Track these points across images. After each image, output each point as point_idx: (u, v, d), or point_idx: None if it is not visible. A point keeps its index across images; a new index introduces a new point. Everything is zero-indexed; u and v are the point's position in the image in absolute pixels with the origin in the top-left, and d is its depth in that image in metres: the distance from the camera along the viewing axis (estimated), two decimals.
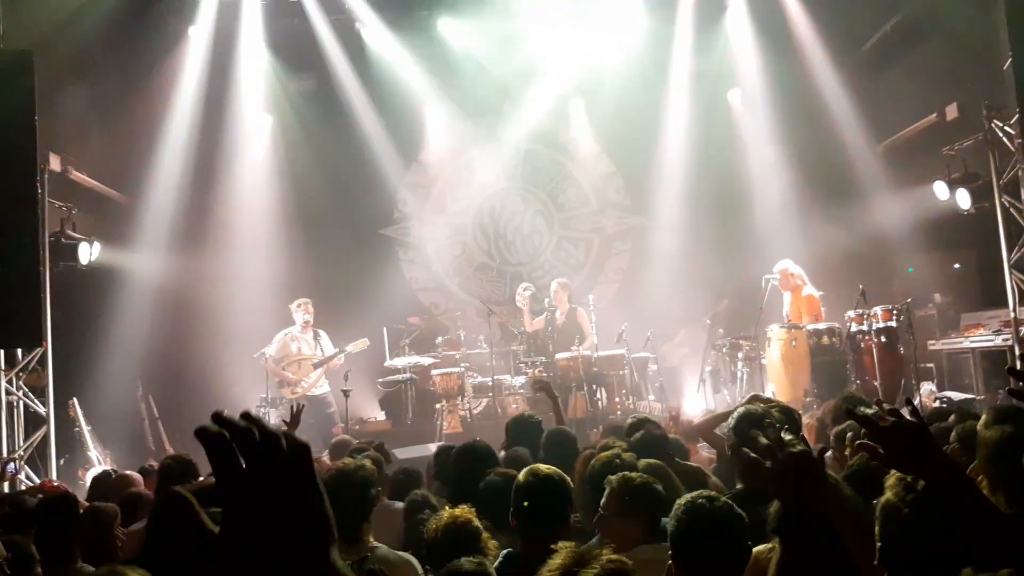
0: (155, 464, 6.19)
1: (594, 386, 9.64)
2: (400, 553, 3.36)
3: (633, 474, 3.24)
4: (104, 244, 9.20)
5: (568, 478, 3.51)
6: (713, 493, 2.69)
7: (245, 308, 10.57)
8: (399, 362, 10.29)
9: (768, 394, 8.79)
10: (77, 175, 9.49)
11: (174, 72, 10.56)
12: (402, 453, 7.40)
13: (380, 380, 10.46)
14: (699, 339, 11.13)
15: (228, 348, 10.36)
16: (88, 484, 6.34)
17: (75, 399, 8.72)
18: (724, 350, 9.91)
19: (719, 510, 2.59)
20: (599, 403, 9.69)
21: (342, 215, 11.84)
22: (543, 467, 3.42)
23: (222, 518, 0.92)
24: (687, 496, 2.67)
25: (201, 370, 10.22)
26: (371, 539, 3.35)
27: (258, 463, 0.91)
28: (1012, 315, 8.97)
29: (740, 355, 9.66)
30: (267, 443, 0.91)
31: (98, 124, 10.05)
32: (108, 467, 7.94)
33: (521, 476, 3.34)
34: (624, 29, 11.62)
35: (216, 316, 10.62)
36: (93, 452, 8.60)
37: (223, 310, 10.65)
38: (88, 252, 8.83)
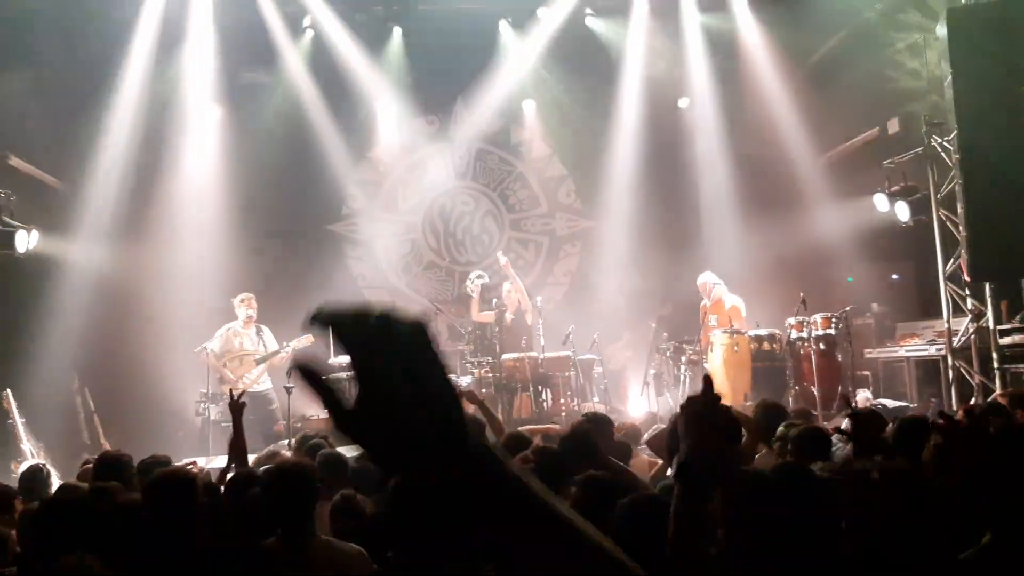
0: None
1: (540, 387, 9.67)
2: (350, 544, 3.33)
3: None
4: (43, 233, 8.98)
5: None
6: (652, 492, 2.74)
7: (187, 302, 10.39)
8: (343, 359, 10.18)
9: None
10: (16, 161, 9.25)
11: (121, 59, 10.33)
12: (346, 452, 7.33)
13: (324, 377, 10.34)
14: (643, 342, 11.26)
15: (168, 342, 10.17)
16: (19, 476, 6.17)
17: (8, 391, 8.49)
18: (668, 353, 10.03)
19: (658, 506, 2.63)
20: (544, 404, 9.73)
21: (289, 210, 11.73)
22: None
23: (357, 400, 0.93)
24: (629, 497, 2.71)
25: (140, 364, 10.03)
26: (317, 533, 3.32)
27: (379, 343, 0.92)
28: (946, 326, 9.24)
29: (683, 359, 9.80)
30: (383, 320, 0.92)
31: (39, 110, 9.80)
32: (41, 461, 7.75)
33: None
34: (577, 34, 11.69)
35: (157, 309, 10.43)
36: (26, 445, 8.37)
37: (164, 303, 10.46)
38: (26, 240, 8.62)
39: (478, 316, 10.51)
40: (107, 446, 8.80)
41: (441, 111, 12.48)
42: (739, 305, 9.69)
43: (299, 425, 9.59)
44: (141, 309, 10.41)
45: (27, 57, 9.88)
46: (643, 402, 10.35)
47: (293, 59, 11.37)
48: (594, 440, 4.27)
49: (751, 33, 11.19)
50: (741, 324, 9.53)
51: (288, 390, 8.78)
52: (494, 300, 10.41)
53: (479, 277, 10.65)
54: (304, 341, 9.53)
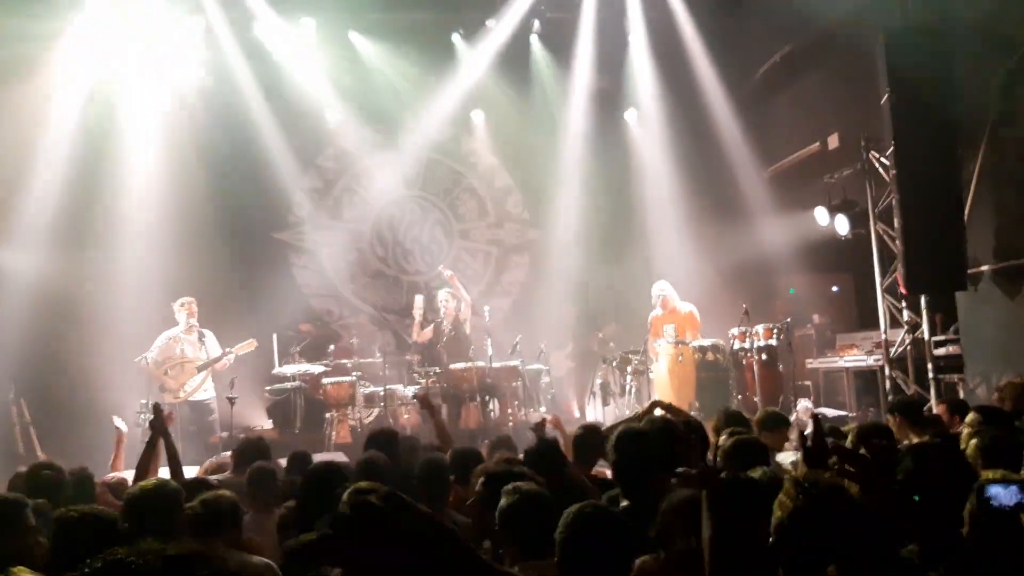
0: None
1: (487, 397, 9.68)
2: (259, 558, 3.28)
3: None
4: None
5: None
6: (600, 503, 2.75)
7: (127, 309, 10.14)
8: (288, 369, 10.09)
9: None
10: None
11: (59, 61, 10.08)
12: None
13: (268, 388, 10.21)
14: (588, 352, 11.37)
15: (108, 351, 9.93)
16: None
17: None
18: (614, 364, 10.11)
19: (607, 517, 2.66)
20: (492, 414, 9.73)
21: (234, 217, 11.54)
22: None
23: None
24: (576, 505, 2.72)
25: (78, 374, 9.78)
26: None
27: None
28: (883, 337, 9.47)
29: (629, 368, 9.88)
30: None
31: None
32: None
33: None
34: (525, 46, 11.76)
35: (96, 317, 10.17)
36: None
37: (104, 311, 10.21)
38: None
39: (419, 336, 10.44)
40: (43, 457, 8.56)
41: (390, 120, 12.41)
42: (695, 311, 9.83)
43: (242, 436, 9.44)
44: (80, 317, 10.15)
45: None
46: (590, 411, 10.42)
47: (240, 64, 11.20)
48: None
49: (697, 47, 11.34)
50: (697, 330, 9.66)
51: (231, 401, 8.65)
52: (436, 319, 10.39)
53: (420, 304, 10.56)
54: (247, 346, 9.41)
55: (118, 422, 6.76)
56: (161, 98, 11.05)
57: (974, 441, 3.88)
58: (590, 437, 4.85)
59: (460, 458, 4.68)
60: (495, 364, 9.99)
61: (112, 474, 5.80)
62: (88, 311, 10.21)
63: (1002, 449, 3.77)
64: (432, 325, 10.31)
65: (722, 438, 4.32)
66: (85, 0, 10.11)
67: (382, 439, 5.13)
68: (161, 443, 4.85)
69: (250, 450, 5.39)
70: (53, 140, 10.05)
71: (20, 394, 9.57)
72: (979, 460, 3.68)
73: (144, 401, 9.06)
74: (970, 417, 5.02)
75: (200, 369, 9.16)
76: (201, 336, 9.19)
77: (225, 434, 9.18)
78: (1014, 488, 2.47)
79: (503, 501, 2.99)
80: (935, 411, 6.09)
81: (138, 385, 9.20)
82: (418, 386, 9.94)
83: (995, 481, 2.50)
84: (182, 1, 10.52)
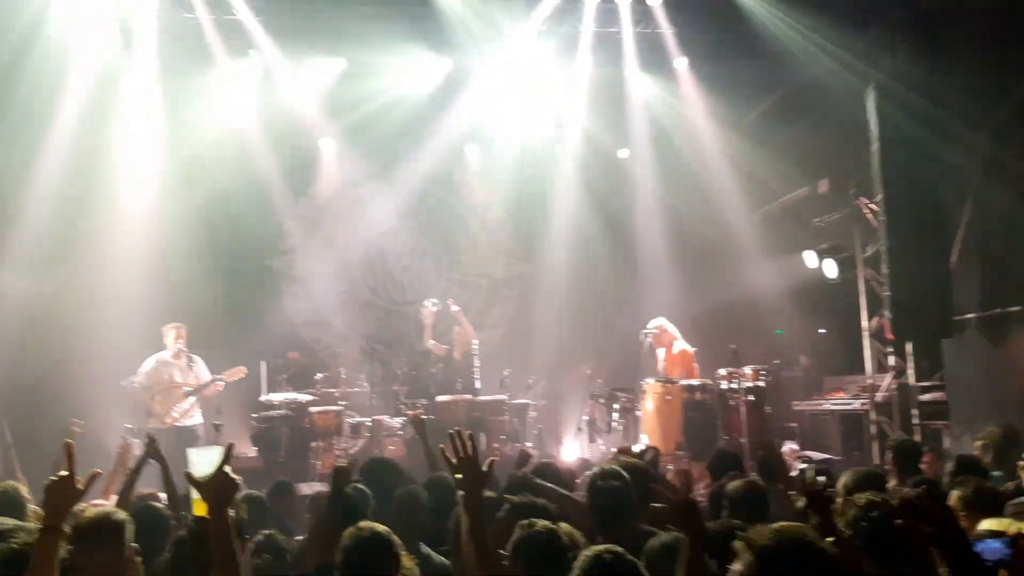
0: None
1: (474, 430, 9.64)
2: None
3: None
4: None
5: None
6: (618, 549, 2.75)
7: (115, 333, 10.08)
8: (275, 397, 10.05)
9: (641, 445, 9.03)
10: None
11: (55, 76, 10.09)
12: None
13: (254, 415, 10.15)
14: (574, 388, 11.37)
15: (94, 374, 9.85)
16: None
17: None
18: (601, 401, 10.11)
19: (625, 565, 2.68)
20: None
21: (225, 242, 11.47)
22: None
23: None
24: (594, 549, 2.74)
25: (64, 396, 9.66)
26: None
27: None
28: (869, 381, 9.53)
29: (616, 406, 9.88)
30: None
31: None
32: None
33: None
34: (522, 80, 11.86)
35: (83, 339, 10.09)
36: None
37: (91, 334, 10.13)
38: None
39: (430, 344, 10.48)
40: (23, 480, 8.46)
41: (385, 150, 12.47)
42: (688, 349, 9.85)
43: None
44: (67, 338, 10.07)
45: None
46: (575, 447, 10.41)
47: (236, 90, 11.23)
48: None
49: (691, 88, 11.47)
50: (691, 371, 9.67)
51: (217, 428, 8.61)
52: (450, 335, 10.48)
53: (434, 304, 10.65)
54: (236, 373, 9.38)
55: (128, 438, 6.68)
56: (155, 122, 11.06)
57: (956, 492, 3.92)
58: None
59: (438, 487, 4.69)
60: (482, 397, 10.00)
61: (98, 500, 5.75)
62: (75, 333, 10.13)
63: (984, 501, 3.82)
64: (447, 346, 10.42)
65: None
66: (85, 20, 10.14)
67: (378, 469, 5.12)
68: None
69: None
70: (45, 162, 10.03)
71: (2, 415, 9.48)
72: (962, 510, 3.72)
73: (130, 426, 9.00)
74: (949, 467, 5.08)
75: (189, 395, 9.13)
76: (190, 361, 9.18)
77: None
78: (1000, 544, 2.51)
79: (516, 534, 3.04)
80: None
81: (124, 409, 9.14)
82: (405, 417, 9.86)
83: (985, 535, 2.54)
84: (180, 25, 10.55)
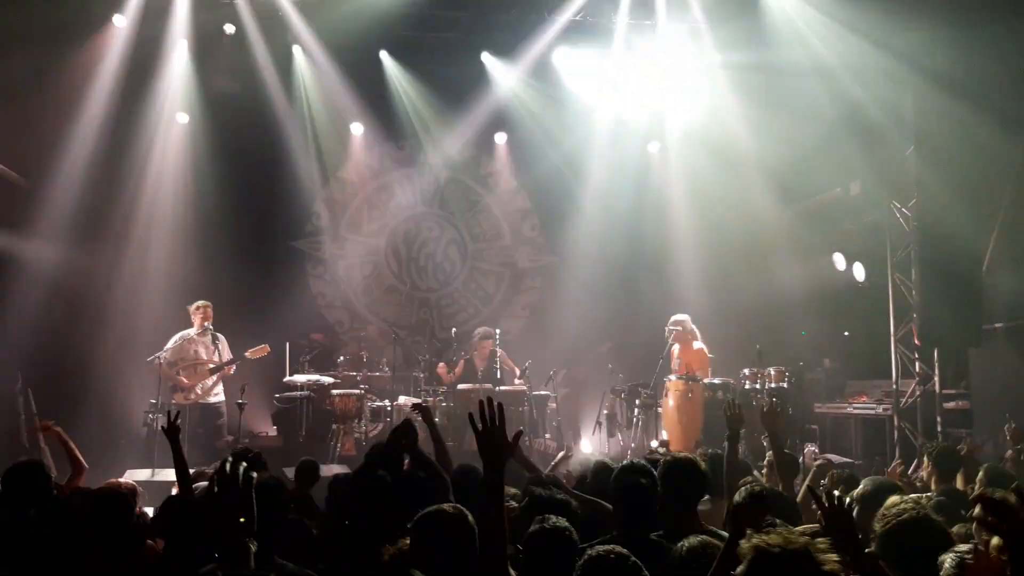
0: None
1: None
2: (304, 570, 3.28)
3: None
4: (1, 229, 8.80)
5: None
6: (623, 550, 2.74)
7: (143, 309, 10.20)
8: (298, 378, 10.09)
9: (659, 441, 9.02)
10: None
11: (94, 59, 10.18)
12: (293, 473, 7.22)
13: (277, 395, 10.22)
14: (592, 380, 11.36)
15: (120, 347, 9.98)
16: None
17: None
18: (623, 395, 10.08)
19: (627, 568, 2.68)
20: None
21: (253, 223, 11.56)
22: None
23: None
24: (598, 549, 2.75)
25: (89, 368, 9.81)
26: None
27: None
28: (894, 387, 9.45)
29: (637, 401, 9.85)
30: None
31: (6, 104, 9.61)
32: None
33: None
34: (554, 71, 11.81)
35: (111, 314, 10.23)
36: None
37: (120, 308, 10.27)
38: None
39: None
40: (46, 451, 8.56)
41: (413, 137, 12.49)
42: (705, 351, 9.80)
43: (247, 441, 9.46)
44: (95, 313, 10.20)
45: None
46: (595, 441, 10.40)
47: (269, 72, 11.27)
48: None
49: (723, 84, 11.37)
50: (705, 370, 9.63)
51: (240, 407, 8.67)
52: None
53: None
54: (260, 351, 9.44)
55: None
56: (188, 101, 11.14)
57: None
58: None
59: (462, 477, 4.64)
60: (502, 388, 10.01)
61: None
62: (102, 308, 10.26)
63: None
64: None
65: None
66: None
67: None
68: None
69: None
70: (80, 137, 10.14)
71: (28, 385, 9.59)
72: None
73: (154, 401, 9.09)
74: (979, 476, 5.03)
75: (212, 372, 9.20)
76: (215, 339, 9.24)
77: (231, 438, 9.20)
78: None
79: (530, 528, 3.02)
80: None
81: (149, 384, 9.23)
82: (417, 399, 9.86)
83: None
84: (217, 7, 10.60)
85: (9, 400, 9.38)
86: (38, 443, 9.22)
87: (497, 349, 10.38)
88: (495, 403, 2.91)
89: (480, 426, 2.91)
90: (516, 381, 10.28)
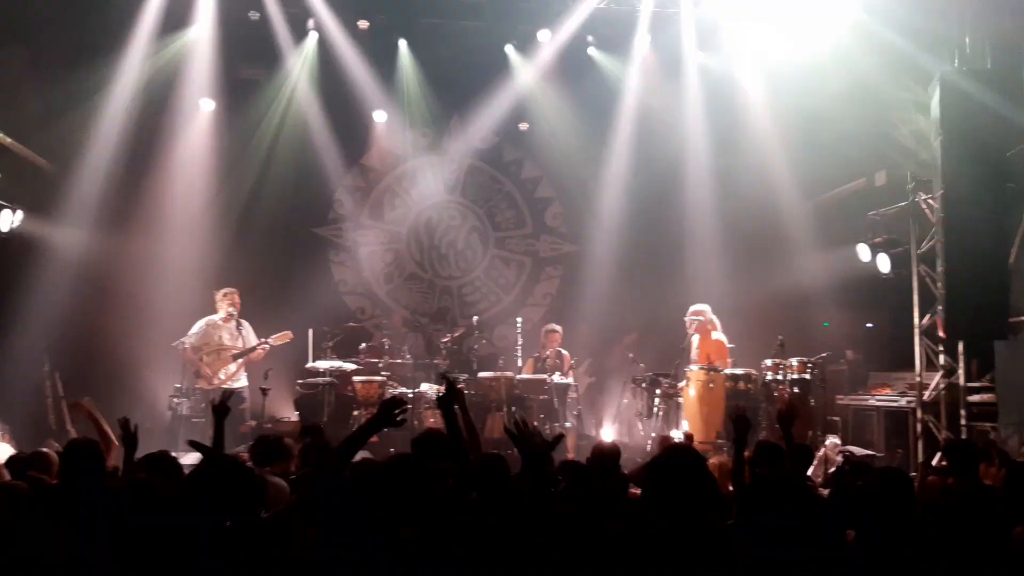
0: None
1: (514, 408, 9.69)
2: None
3: None
4: (27, 213, 8.91)
5: None
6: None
7: (168, 293, 10.29)
8: (321, 364, 10.16)
9: (682, 432, 9.01)
10: (5, 140, 9.17)
11: (121, 45, 10.25)
12: None
13: (300, 381, 10.29)
14: (610, 369, 11.35)
15: (146, 332, 10.08)
16: None
17: None
18: (644, 385, 10.07)
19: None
20: None
21: (276, 209, 11.59)
22: None
23: None
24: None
25: (114, 352, 9.92)
26: None
27: None
28: (918, 379, 9.37)
29: (658, 391, 9.83)
30: None
31: (34, 89, 9.71)
32: (4, 443, 7.66)
33: None
34: (578, 61, 11.78)
35: (136, 298, 10.33)
36: None
37: (145, 293, 10.37)
38: (9, 219, 8.55)
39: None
40: (73, 432, 8.69)
41: (436, 124, 12.51)
42: (724, 341, 9.76)
43: (269, 426, 9.55)
44: (121, 297, 10.30)
45: (24, 35, 9.80)
46: (614, 431, 10.41)
47: (293, 59, 11.33)
48: None
49: (747, 76, 11.30)
50: (724, 361, 9.58)
51: (264, 392, 8.75)
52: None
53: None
54: (283, 338, 9.51)
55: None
56: (213, 87, 11.21)
57: None
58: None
59: (487, 466, 4.62)
60: (523, 376, 10.02)
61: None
62: (128, 292, 10.37)
63: None
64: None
65: None
66: None
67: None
68: None
69: (265, 449, 5.36)
70: (108, 123, 10.23)
71: (55, 368, 9.73)
72: None
73: (179, 385, 9.19)
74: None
75: (236, 357, 9.27)
76: (239, 325, 9.31)
77: (254, 423, 9.29)
78: None
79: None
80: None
81: (173, 369, 9.33)
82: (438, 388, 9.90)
83: None
84: None
85: (36, 383, 9.54)
86: (65, 425, 9.40)
87: (562, 350, 10.46)
88: (518, 415, 3.47)
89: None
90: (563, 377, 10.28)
